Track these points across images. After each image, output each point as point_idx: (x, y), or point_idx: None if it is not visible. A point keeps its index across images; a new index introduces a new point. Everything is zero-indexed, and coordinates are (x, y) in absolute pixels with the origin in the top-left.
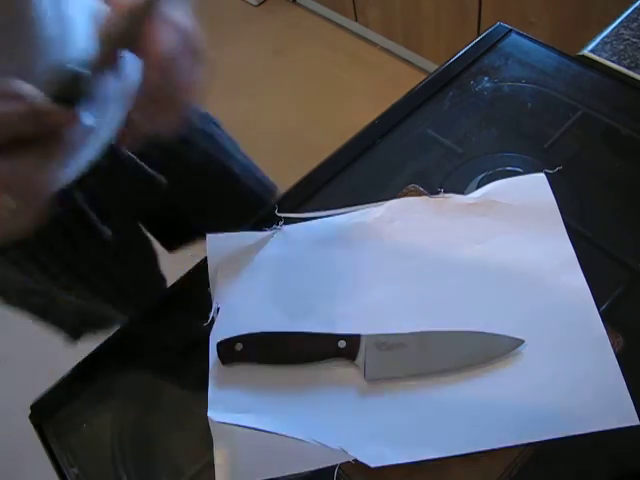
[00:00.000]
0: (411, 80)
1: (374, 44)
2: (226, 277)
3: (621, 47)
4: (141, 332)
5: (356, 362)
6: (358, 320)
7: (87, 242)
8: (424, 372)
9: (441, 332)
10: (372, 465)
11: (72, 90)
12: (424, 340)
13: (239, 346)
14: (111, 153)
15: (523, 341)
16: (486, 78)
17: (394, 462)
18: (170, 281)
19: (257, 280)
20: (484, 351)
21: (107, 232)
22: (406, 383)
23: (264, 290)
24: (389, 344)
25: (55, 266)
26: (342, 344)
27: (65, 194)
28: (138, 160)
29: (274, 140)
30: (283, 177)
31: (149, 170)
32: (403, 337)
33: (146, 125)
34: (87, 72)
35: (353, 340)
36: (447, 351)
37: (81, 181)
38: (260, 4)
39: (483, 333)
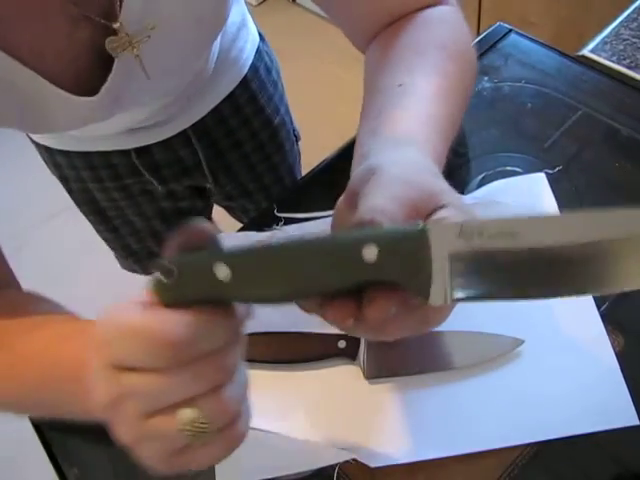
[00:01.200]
0: None
1: None
2: None
3: (621, 47)
4: None
5: (356, 361)
6: None
7: (139, 194)
8: (424, 371)
9: (441, 331)
10: (372, 465)
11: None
12: (423, 339)
13: None
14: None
15: (523, 341)
16: (486, 78)
17: (394, 462)
18: None
19: None
20: (484, 351)
21: (157, 188)
22: (406, 383)
23: None
24: (389, 343)
25: (110, 209)
26: (342, 344)
27: (125, 155)
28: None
29: None
30: None
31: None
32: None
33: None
34: None
35: (353, 339)
36: (447, 350)
37: (145, 148)
38: (260, 4)
39: (483, 333)
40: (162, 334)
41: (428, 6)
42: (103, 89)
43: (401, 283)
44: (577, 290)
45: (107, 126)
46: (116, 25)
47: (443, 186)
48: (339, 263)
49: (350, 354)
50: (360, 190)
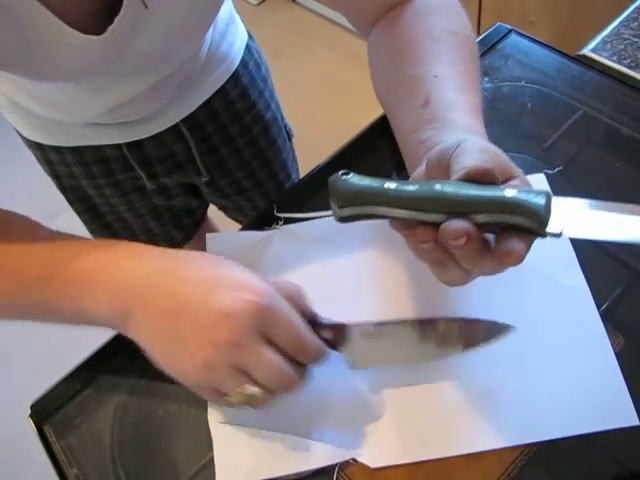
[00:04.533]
0: None
1: None
2: None
3: (621, 47)
4: None
5: (342, 351)
6: (357, 317)
7: (132, 191)
8: (410, 360)
9: (430, 319)
10: (372, 465)
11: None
12: (409, 328)
13: None
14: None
15: (510, 326)
16: (486, 78)
17: (394, 462)
18: None
19: None
20: (475, 337)
21: (149, 185)
22: (405, 383)
23: None
24: (375, 332)
25: (102, 205)
26: (327, 334)
27: (117, 149)
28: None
29: None
30: None
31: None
32: (388, 326)
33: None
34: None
35: (338, 330)
36: (436, 339)
37: (137, 143)
38: (260, 3)
39: (466, 318)
40: (306, 343)
41: None
42: (109, 29)
43: (527, 217)
44: None
45: (97, 104)
46: None
47: (510, 161)
48: (486, 193)
49: (335, 344)
50: (449, 157)
